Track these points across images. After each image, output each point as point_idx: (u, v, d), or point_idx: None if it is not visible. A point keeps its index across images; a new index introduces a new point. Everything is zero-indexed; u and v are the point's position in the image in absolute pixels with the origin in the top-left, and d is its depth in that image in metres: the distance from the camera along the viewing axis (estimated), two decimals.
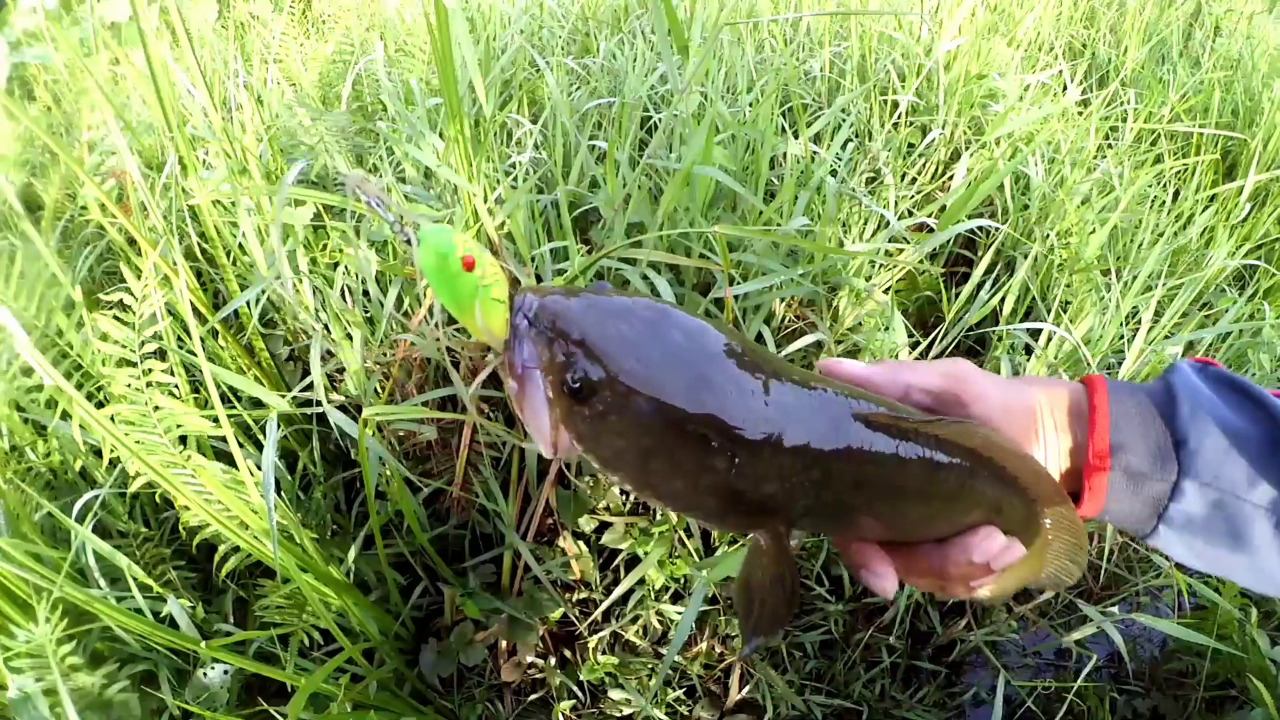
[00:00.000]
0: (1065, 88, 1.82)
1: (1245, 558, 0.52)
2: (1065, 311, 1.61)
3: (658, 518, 1.42)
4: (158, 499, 1.38)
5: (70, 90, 2.21)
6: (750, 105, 1.49)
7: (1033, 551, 0.56)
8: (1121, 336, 1.55)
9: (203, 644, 1.04)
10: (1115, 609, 1.65)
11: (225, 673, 1.27)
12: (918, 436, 0.49)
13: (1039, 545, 0.57)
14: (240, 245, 1.41)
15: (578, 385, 0.43)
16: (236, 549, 1.25)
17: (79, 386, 1.35)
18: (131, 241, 1.54)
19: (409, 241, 0.43)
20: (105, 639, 1.26)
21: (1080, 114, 1.89)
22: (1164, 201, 1.94)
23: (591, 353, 0.43)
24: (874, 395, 0.51)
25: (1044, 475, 0.53)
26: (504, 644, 1.41)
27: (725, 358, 0.45)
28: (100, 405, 1.28)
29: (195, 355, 1.32)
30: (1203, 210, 1.99)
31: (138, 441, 1.11)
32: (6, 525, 1.22)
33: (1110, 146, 1.93)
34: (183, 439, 1.22)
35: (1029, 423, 0.54)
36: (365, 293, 1.38)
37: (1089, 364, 1.47)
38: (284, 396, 1.25)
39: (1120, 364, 1.53)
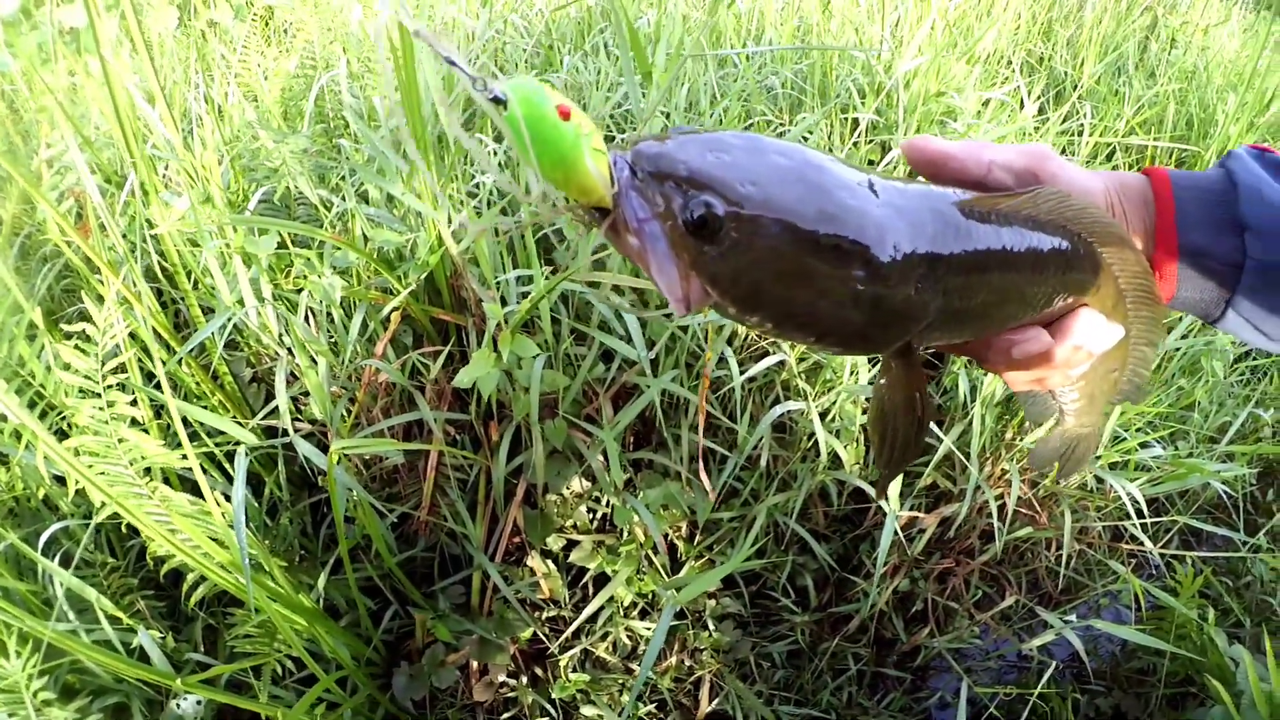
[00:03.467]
0: (1023, 104, 1.85)
1: None
2: None
3: (625, 536, 1.43)
4: (124, 528, 1.37)
5: (27, 98, 2.16)
6: (712, 125, 1.50)
7: (1123, 340, 0.56)
8: None
9: (177, 680, 1.04)
10: (1074, 615, 1.70)
11: (198, 703, 1.27)
12: (1021, 216, 0.48)
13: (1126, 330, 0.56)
14: (202, 268, 1.40)
15: (701, 221, 0.41)
16: (205, 578, 1.25)
17: (41, 416, 1.33)
18: (90, 261, 1.52)
19: (496, 100, 0.38)
20: (76, 671, 1.25)
21: (1037, 129, 1.93)
22: None
23: (706, 186, 0.41)
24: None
25: (1134, 252, 0.51)
26: (475, 665, 1.42)
27: (827, 168, 0.44)
28: (62, 434, 1.27)
29: (159, 389, 1.32)
30: None
31: (102, 473, 1.10)
32: None
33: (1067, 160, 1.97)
34: (147, 469, 1.21)
35: (1102, 207, 0.53)
36: (330, 316, 1.38)
37: None
38: (247, 425, 1.25)
39: None
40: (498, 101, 0.38)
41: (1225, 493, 1.82)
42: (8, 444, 1.31)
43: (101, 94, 1.76)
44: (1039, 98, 2.19)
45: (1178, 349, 1.79)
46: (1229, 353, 1.89)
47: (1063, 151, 1.99)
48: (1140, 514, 1.58)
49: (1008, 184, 0.52)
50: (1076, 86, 2.33)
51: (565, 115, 0.38)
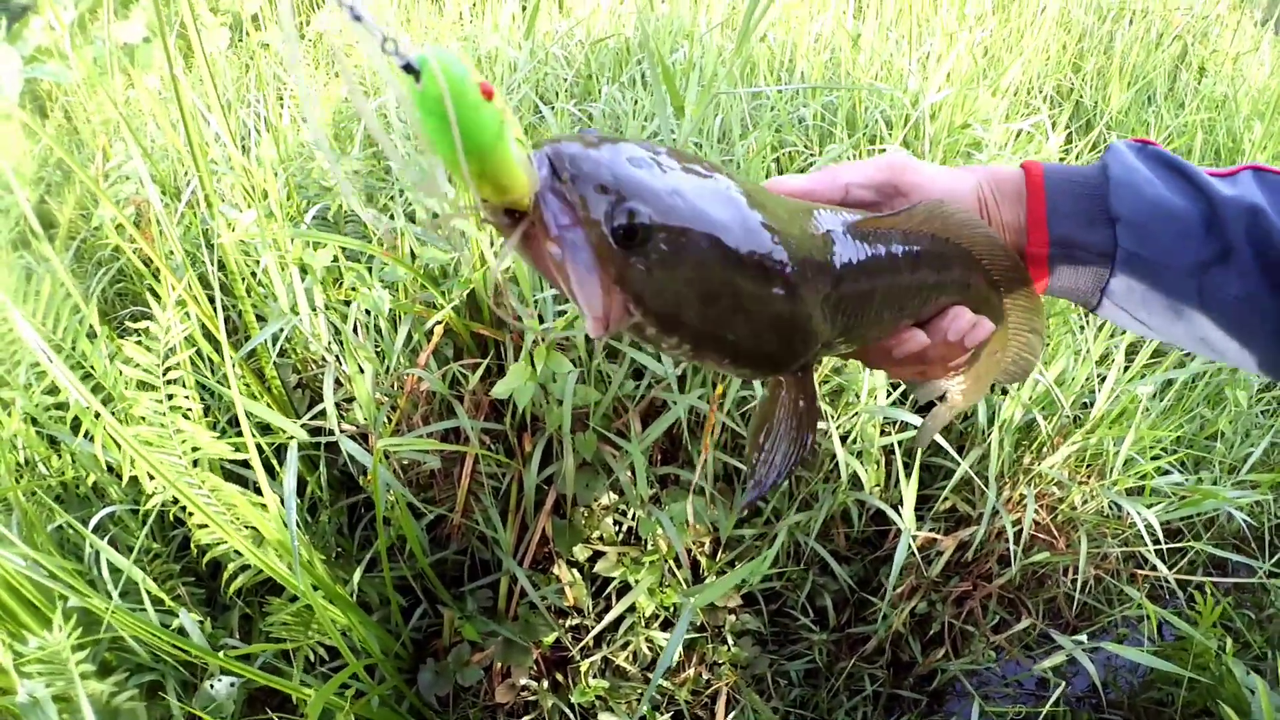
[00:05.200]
0: (1048, 135, 1.89)
1: (1184, 326, 0.54)
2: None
3: (649, 547, 1.48)
4: (170, 517, 1.44)
5: (83, 108, 2.28)
6: (744, 155, 1.56)
7: (999, 329, 0.58)
8: (1093, 378, 1.62)
9: (219, 655, 1.10)
10: (1088, 639, 1.71)
11: (232, 684, 1.32)
12: (900, 234, 0.50)
13: (1002, 321, 0.59)
14: (256, 277, 1.48)
15: (631, 230, 0.39)
16: (245, 567, 1.31)
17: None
18: (147, 262, 1.61)
19: (408, 68, 0.31)
20: (114, 649, 1.32)
21: (1062, 159, 1.96)
22: None
23: (634, 193, 0.39)
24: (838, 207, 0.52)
25: (1002, 248, 0.54)
26: (499, 666, 1.47)
27: (735, 185, 0.44)
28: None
29: (213, 381, 1.39)
30: None
31: (160, 462, 1.17)
32: (21, 535, 1.27)
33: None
34: (194, 461, 1.28)
35: (971, 207, 0.56)
36: (377, 327, 1.45)
37: (1062, 405, 1.54)
38: (299, 423, 1.32)
39: (1092, 405, 1.60)
40: (410, 70, 0.31)
41: (1247, 522, 1.82)
42: (64, 431, 1.39)
43: (165, 109, 1.86)
44: (1066, 127, 2.22)
45: (1201, 374, 1.81)
46: (1253, 382, 1.90)
47: None
48: (1157, 540, 1.59)
49: (869, 199, 0.56)
50: (1104, 116, 2.36)
51: (489, 95, 0.33)
